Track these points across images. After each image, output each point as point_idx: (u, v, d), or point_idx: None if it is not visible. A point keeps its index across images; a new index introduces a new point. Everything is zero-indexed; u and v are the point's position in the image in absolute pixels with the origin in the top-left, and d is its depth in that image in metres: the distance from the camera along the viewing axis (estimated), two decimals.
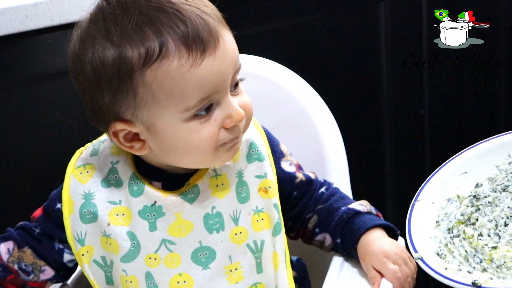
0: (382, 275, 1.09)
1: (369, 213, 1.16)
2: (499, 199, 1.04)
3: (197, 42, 0.99)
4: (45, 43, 1.45)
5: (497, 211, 1.03)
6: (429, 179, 1.08)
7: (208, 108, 1.02)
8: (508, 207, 1.03)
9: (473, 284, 0.96)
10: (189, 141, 1.03)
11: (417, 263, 1.09)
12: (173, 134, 1.03)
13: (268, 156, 1.14)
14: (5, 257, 1.13)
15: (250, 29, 1.66)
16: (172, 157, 1.06)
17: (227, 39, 1.03)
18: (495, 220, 1.02)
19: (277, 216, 1.12)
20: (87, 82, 1.03)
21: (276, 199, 1.12)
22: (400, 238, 1.15)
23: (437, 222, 1.04)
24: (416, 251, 0.99)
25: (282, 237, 1.12)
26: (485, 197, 1.04)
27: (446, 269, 0.99)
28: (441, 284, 0.98)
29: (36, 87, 1.49)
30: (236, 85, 1.06)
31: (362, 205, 1.16)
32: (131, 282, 1.09)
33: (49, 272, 1.14)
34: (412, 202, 1.05)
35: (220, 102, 1.03)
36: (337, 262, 1.16)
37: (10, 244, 1.13)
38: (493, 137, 1.11)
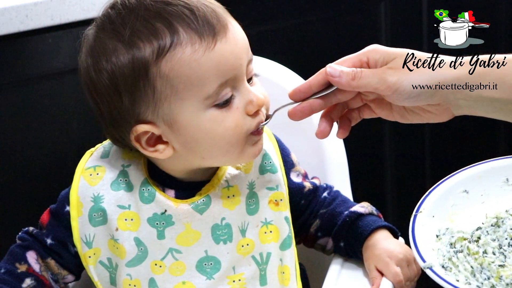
0: (383, 275, 1.09)
1: (371, 214, 1.16)
2: (502, 221, 1.03)
3: (207, 27, 1.00)
4: (45, 43, 1.45)
5: (499, 232, 1.01)
6: (430, 192, 1.07)
7: (228, 100, 1.02)
8: (511, 229, 1.02)
9: None
10: (214, 132, 1.02)
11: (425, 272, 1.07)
12: (197, 126, 1.02)
13: (280, 167, 1.13)
14: (36, 267, 1.11)
15: (250, 29, 1.66)
16: (200, 151, 1.04)
17: (236, 26, 1.04)
18: (498, 240, 1.00)
19: (288, 229, 1.11)
20: (104, 90, 1.02)
21: (287, 212, 1.11)
22: (401, 238, 1.15)
23: (437, 236, 1.02)
24: (424, 261, 0.96)
25: (293, 250, 1.11)
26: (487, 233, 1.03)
27: (458, 281, 0.96)
28: None
29: (36, 87, 1.49)
30: (250, 79, 1.05)
31: (363, 207, 1.16)
32: (134, 286, 1.09)
33: (70, 278, 1.14)
34: (413, 213, 1.03)
35: (239, 89, 1.03)
36: (337, 263, 1.16)
37: (34, 254, 1.11)
38: (493, 159, 1.10)
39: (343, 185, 1.27)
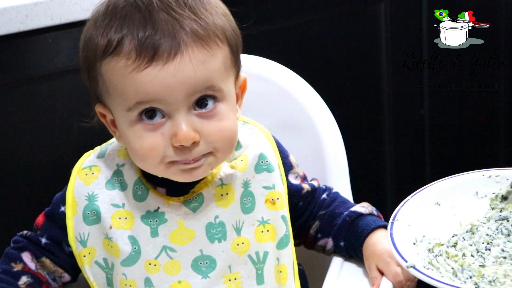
0: (383, 275, 1.09)
1: (371, 214, 1.16)
2: (477, 228, 1.04)
3: (149, 49, 0.98)
4: (45, 43, 1.45)
5: (475, 237, 1.02)
6: (405, 202, 1.07)
7: (151, 116, 1.01)
8: (487, 234, 1.02)
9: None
10: (134, 147, 1.03)
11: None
12: (125, 133, 1.04)
13: (278, 167, 1.13)
14: (32, 266, 1.11)
15: (250, 29, 1.66)
16: (132, 157, 1.06)
17: (193, 61, 0.99)
18: (475, 245, 1.01)
19: (285, 228, 1.11)
20: (81, 59, 1.06)
21: (284, 211, 1.11)
22: None
23: (414, 243, 1.02)
24: (405, 261, 0.96)
25: (290, 249, 1.11)
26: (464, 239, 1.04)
27: (442, 276, 0.97)
28: None
29: (36, 87, 1.49)
30: (202, 104, 1.02)
31: (363, 207, 1.17)
32: (130, 286, 1.09)
33: (66, 277, 1.14)
34: (390, 221, 1.04)
35: (173, 116, 1.01)
36: (337, 263, 1.16)
37: (29, 255, 1.12)
38: (463, 174, 1.11)
39: (343, 186, 1.27)
